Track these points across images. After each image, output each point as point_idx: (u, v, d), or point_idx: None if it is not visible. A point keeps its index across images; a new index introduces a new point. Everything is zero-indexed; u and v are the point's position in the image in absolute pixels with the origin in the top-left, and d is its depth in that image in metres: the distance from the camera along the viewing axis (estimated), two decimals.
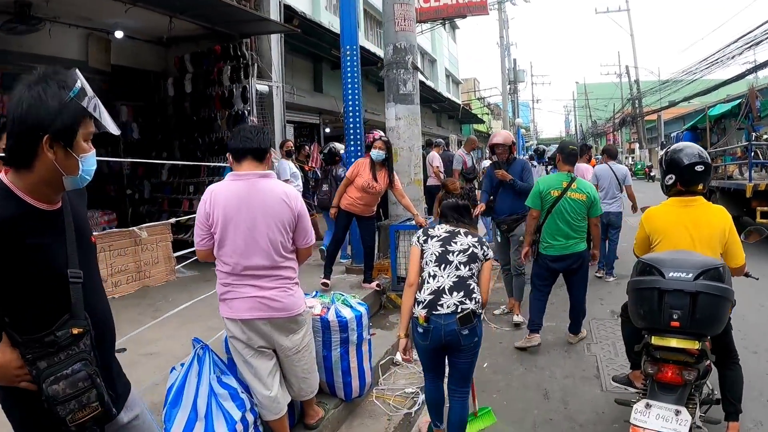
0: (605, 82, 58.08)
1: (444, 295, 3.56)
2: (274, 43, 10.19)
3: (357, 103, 7.69)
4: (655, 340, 3.10)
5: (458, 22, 43.41)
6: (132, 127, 11.07)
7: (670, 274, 3.02)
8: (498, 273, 7.90)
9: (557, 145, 7.83)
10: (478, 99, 48.75)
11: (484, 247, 3.78)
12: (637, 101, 43.90)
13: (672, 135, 21.91)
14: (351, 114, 7.69)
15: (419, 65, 27.39)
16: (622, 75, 49.45)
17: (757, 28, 20.57)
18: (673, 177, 3.65)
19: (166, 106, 10.69)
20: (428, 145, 13.88)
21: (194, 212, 8.92)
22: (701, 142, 16.35)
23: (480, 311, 3.63)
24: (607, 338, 6.19)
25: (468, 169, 11.64)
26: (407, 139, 8.25)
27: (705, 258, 3.21)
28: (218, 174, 9.52)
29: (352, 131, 7.72)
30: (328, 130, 18.43)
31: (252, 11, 8.71)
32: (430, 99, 26.98)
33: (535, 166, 11.47)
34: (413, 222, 7.08)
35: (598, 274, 8.86)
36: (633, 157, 46.90)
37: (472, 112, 39.54)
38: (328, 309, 4.44)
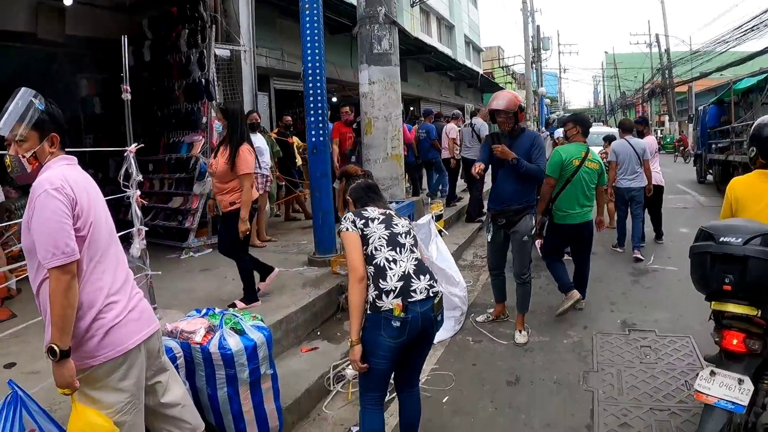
0: (635, 52, 55.57)
1: (413, 280, 3.07)
2: (243, 2, 8.99)
3: (318, 63, 6.42)
4: (714, 305, 3.15)
5: None
6: (94, 102, 10.03)
7: (722, 239, 3.04)
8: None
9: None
10: (502, 68, 47.12)
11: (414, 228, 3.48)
12: (667, 72, 41.62)
13: (699, 108, 20.85)
14: (311, 76, 6.43)
15: (435, 30, 26.19)
16: (652, 44, 47.05)
17: None
18: (755, 149, 3.60)
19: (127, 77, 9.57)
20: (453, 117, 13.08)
21: (155, 192, 7.56)
22: (726, 117, 15.91)
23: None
24: (612, 364, 4.74)
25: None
26: (383, 106, 7.04)
27: (764, 225, 3.08)
28: (176, 150, 8.45)
29: (312, 98, 6.45)
30: (335, 99, 17.28)
31: None
32: (445, 66, 25.83)
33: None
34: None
35: (618, 249, 8.69)
36: (662, 130, 44.78)
37: (494, 80, 37.97)
38: (214, 334, 3.32)
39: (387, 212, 3.34)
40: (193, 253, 7.78)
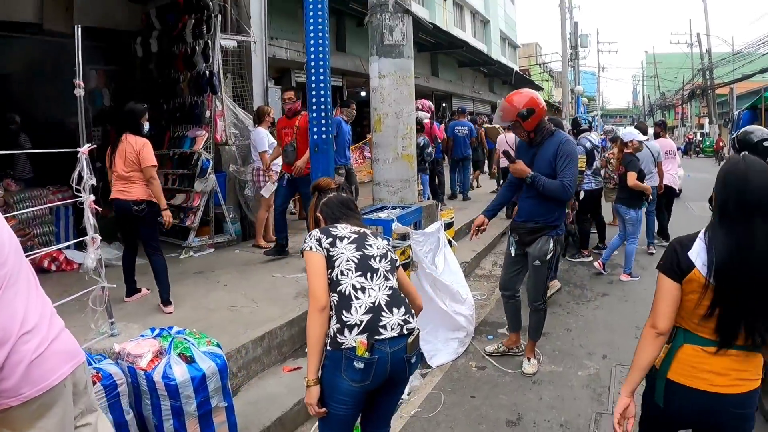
0: (675, 52, 54.08)
1: (384, 313, 2.60)
2: None
3: (322, 54, 5.90)
4: None
5: None
6: (103, 93, 9.72)
7: None
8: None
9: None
10: (539, 65, 46.30)
11: (393, 252, 2.92)
12: (708, 72, 40.14)
13: (736, 113, 21.48)
14: (314, 68, 5.92)
15: (469, 25, 25.49)
16: (693, 44, 45.55)
17: None
18: (747, 153, 3.29)
19: (135, 70, 9.25)
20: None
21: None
22: (758, 122, 16.58)
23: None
24: None
25: None
26: (393, 102, 6.52)
27: None
28: (179, 145, 8.05)
29: (314, 91, 5.94)
30: (363, 93, 16.88)
31: None
32: (479, 62, 25.27)
33: None
34: (380, 215, 5.27)
35: (650, 251, 8.73)
36: (702, 133, 43.17)
37: (530, 78, 37.21)
38: (161, 359, 2.88)
39: (361, 231, 2.86)
40: (193, 253, 7.45)
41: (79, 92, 3.90)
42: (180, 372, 2.81)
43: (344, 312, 2.57)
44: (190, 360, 2.90)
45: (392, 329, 2.56)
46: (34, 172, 8.84)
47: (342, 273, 2.65)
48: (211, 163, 7.53)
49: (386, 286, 2.69)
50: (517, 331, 5.06)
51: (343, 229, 2.81)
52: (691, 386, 2.25)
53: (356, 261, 2.69)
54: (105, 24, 8.73)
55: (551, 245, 4.52)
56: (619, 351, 5.07)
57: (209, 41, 7.59)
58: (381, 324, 2.56)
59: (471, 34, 31.12)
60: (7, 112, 9.22)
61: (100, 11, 8.46)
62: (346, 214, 2.94)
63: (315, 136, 6.01)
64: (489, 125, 14.31)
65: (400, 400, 2.93)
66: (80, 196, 3.83)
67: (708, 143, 37.47)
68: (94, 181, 3.83)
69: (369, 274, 2.68)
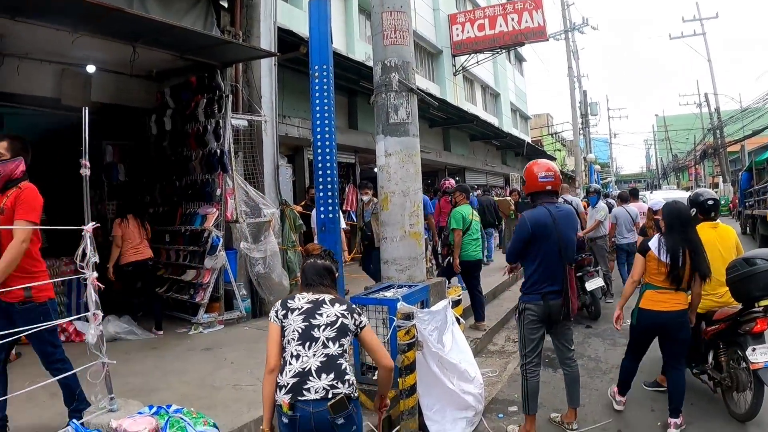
0: (685, 113, 54.39)
1: (311, 378, 2.96)
2: (265, 71, 8.81)
3: (328, 135, 6.07)
4: (763, 302, 4.61)
5: (526, 54, 41.96)
6: (118, 169, 9.90)
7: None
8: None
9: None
10: (551, 135, 46.72)
11: (356, 315, 3.21)
12: (718, 131, 39.94)
13: (739, 173, 24.20)
14: (320, 148, 6.07)
15: (480, 98, 25.94)
16: (702, 104, 45.64)
17: None
18: (695, 210, 5.39)
19: (150, 146, 9.48)
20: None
21: (170, 263, 7.46)
22: (752, 181, 19.42)
23: (356, 395, 3.05)
24: None
25: None
26: (400, 180, 6.57)
27: None
28: (190, 222, 8.16)
29: (321, 171, 6.09)
30: (377, 170, 17.03)
31: (209, 34, 7.49)
32: (491, 135, 25.49)
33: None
34: (387, 294, 5.27)
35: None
36: (717, 192, 42.28)
37: (542, 148, 37.53)
38: None
39: (319, 299, 3.20)
40: (202, 329, 7.48)
41: (85, 172, 4.02)
42: None
43: (280, 375, 3.00)
44: None
45: (316, 392, 2.89)
46: (48, 242, 8.99)
47: (288, 342, 3.06)
48: (221, 240, 7.62)
49: (322, 354, 3.01)
50: (570, 407, 4.92)
51: (300, 299, 3.19)
52: (652, 309, 4.71)
53: (300, 331, 3.06)
54: (121, 101, 9.02)
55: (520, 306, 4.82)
56: (634, 427, 4.89)
57: (220, 120, 7.81)
58: (305, 387, 2.91)
59: (482, 107, 31.60)
60: None
61: (117, 89, 8.75)
62: (314, 281, 3.27)
63: (322, 216, 6.10)
64: (499, 198, 14.35)
65: None
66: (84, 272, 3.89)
67: (723, 202, 36.41)
68: (96, 259, 3.90)
69: (308, 343, 3.03)
